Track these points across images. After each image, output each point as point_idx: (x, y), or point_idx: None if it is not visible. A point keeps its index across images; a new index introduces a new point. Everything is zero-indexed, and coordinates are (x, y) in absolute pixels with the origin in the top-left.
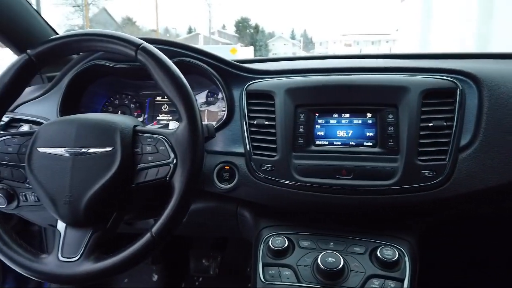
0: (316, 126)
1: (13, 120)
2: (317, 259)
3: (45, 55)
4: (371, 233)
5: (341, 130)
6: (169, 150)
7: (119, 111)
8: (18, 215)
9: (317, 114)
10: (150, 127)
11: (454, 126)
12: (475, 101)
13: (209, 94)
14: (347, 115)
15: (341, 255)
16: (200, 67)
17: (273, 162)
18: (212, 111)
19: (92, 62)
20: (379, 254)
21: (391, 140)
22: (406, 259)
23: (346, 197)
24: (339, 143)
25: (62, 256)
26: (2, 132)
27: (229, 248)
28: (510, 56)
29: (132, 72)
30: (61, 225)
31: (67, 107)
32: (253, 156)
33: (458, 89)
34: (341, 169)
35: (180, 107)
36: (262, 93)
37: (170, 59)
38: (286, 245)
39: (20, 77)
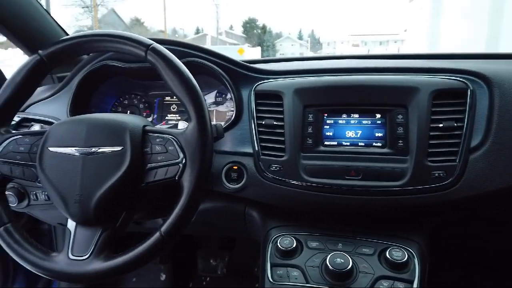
0: (325, 126)
1: (24, 120)
2: (325, 259)
3: (56, 55)
4: (380, 234)
5: (350, 130)
6: (178, 150)
7: (128, 111)
8: (28, 214)
9: (326, 115)
10: (159, 127)
11: (464, 127)
12: (486, 101)
13: (217, 94)
14: (356, 115)
15: (349, 256)
16: (208, 68)
17: (281, 162)
18: (220, 111)
19: (102, 62)
20: (388, 255)
21: (400, 141)
22: (416, 260)
23: (355, 197)
24: (348, 144)
25: (72, 255)
26: (13, 131)
27: (237, 248)
28: None
29: (141, 72)
30: (71, 224)
31: (77, 107)
32: (262, 156)
33: (469, 90)
34: (350, 169)
35: (189, 107)
36: (271, 93)
37: (179, 59)
38: (294, 246)
39: (32, 77)
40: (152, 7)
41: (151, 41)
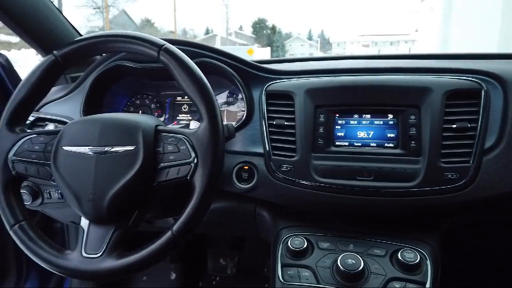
0: (336, 126)
1: (38, 119)
2: (336, 260)
3: (70, 55)
4: (392, 235)
5: (362, 131)
6: (190, 149)
7: (140, 111)
8: (41, 212)
9: (337, 115)
10: (171, 127)
11: (478, 127)
12: (500, 102)
13: (229, 94)
14: (368, 116)
15: (361, 257)
16: (220, 68)
17: (292, 162)
18: (231, 111)
19: (114, 62)
20: (400, 257)
21: (413, 142)
22: (428, 262)
23: (366, 198)
24: (360, 144)
25: (86, 253)
26: (28, 130)
27: (247, 248)
28: None
29: (153, 72)
30: (84, 222)
31: (90, 107)
32: (272, 157)
33: (483, 90)
34: (361, 170)
35: (201, 107)
36: (282, 93)
37: (191, 59)
38: (305, 246)
39: (47, 77)
40: (162, 8)
41: (164, 42)
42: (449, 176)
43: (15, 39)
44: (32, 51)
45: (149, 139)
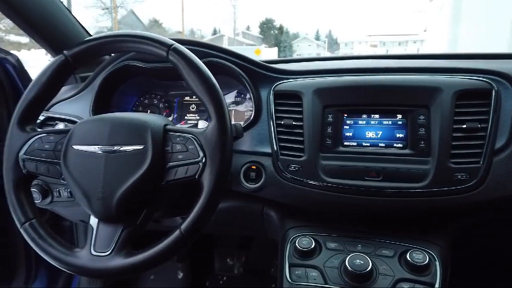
0: (345, 126)
1: (48, 119)
2: (344, 261)
3: (81, 55)
4: (400, 236)
5: (370, 131)
6: (199, 149)
7: (149, 111)
8: (51, 210)
9: (346, 115)
10: (179, 126)
11: (488, 128)
12: (511, 102)
13: (237, 94)
14: (377, 116)
15: (369, 257)
16: (228, 68)
17: (300, 162)
18: (239, 111)
19: (123, 62)
20: (408, 258)
21: (422, 142)
22: (437, 263)
23: (374, 199)
24: (368, 144)
25: (95, 251)
26: (39, 129)
27: (254, 247)
28: None
29: (162, 72)
30: (93, 221)
31: (99, 106)
32: (280, 156)
33: (494, 90)
34: (369, 170)
35: (209, 107)
36: (290, 93)
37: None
38: (313, 246)
39: (57, 77)
40: (170, 8)
41: (173, 41)
42: (459, 177)
43: (25, 39)
44: (42, 51)
45: (158, 138)
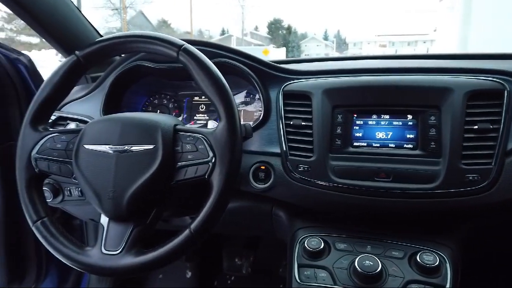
0: (354, 127)
1: (60, 118)
2: (354, 262)
3: (92, 56)
4: (410, 238)
5: (380, 131)
6: (208, 149)
7: (158, 111)
8: (61, 209)
9: (355, 115)
10: (189, 126)
11: (500, 129)
12: None
13: (246, 94)
14: (387, 116)
15: (379, 258)
16: (237, 68)
17: (309, 163)
18: (248, 111)
19: (134, 63)
20: (419, 259)
21: (432, 143)
22: (448, 265)
23: (384, 200)
24: (378, 145)
25: (105, 249)
26: (51, 129)
27: (262, 247)
28: None
29: (171, 72)
30: (104, 219)
31: (109, 106)
32: (289, 157)
33: (506, 91)
34: (379, 171)
35: (219, 107)
36: (299, 93)
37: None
38: (322, 247)
39: (69, 77)
40: (179, 9)
41: (183, 42)
42: (470, 178)
43: (36, 40)
44: (52, 52)
45: (168, 138)
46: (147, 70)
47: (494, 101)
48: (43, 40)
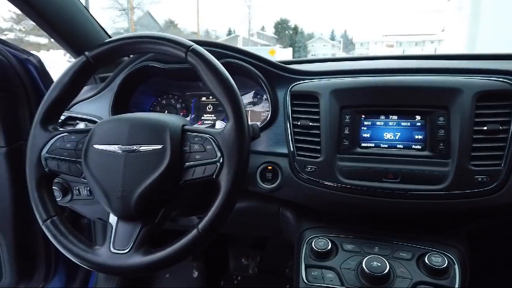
0: (362, 128)
1: (69, 118)
2: (361, 262)
3: (101, 56)
4: (418, 239)
5: (388, 132)
6: (216, 149)
7: (166, 111)
8: (70, 208)
9: (363, 116)
10: (197, 126)
11: (510, 130)
12: None
13: (254, 94)
14: (395, 117)
15: (386, 260)
16: (245, 68)
17: (317, 163)
18: (256, 112)
19: (142, 63)
20: (427, 261)
21: (441, 144)
22: (456, 267)
23: (392, 201)
24: (386, 146)
25: (114, 248)
26: (61, 129)
27: (269, 247)
28: None
29: (179, 73)
30: (113, 219)
31: (118, 106)
32: (297, 157)
33: None
34: (387, 172)
35: (227, 107)
36: (307, 94)
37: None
38: (329, 247)
39: (79, 78)
40: (186, 9)
41: (191, 43)
42: (479, 179)
43: (44, 40)
44: (61, 52)
45: (176, 138)
46: (155, 71)
47: (503, 101)
48: (52, 40)
